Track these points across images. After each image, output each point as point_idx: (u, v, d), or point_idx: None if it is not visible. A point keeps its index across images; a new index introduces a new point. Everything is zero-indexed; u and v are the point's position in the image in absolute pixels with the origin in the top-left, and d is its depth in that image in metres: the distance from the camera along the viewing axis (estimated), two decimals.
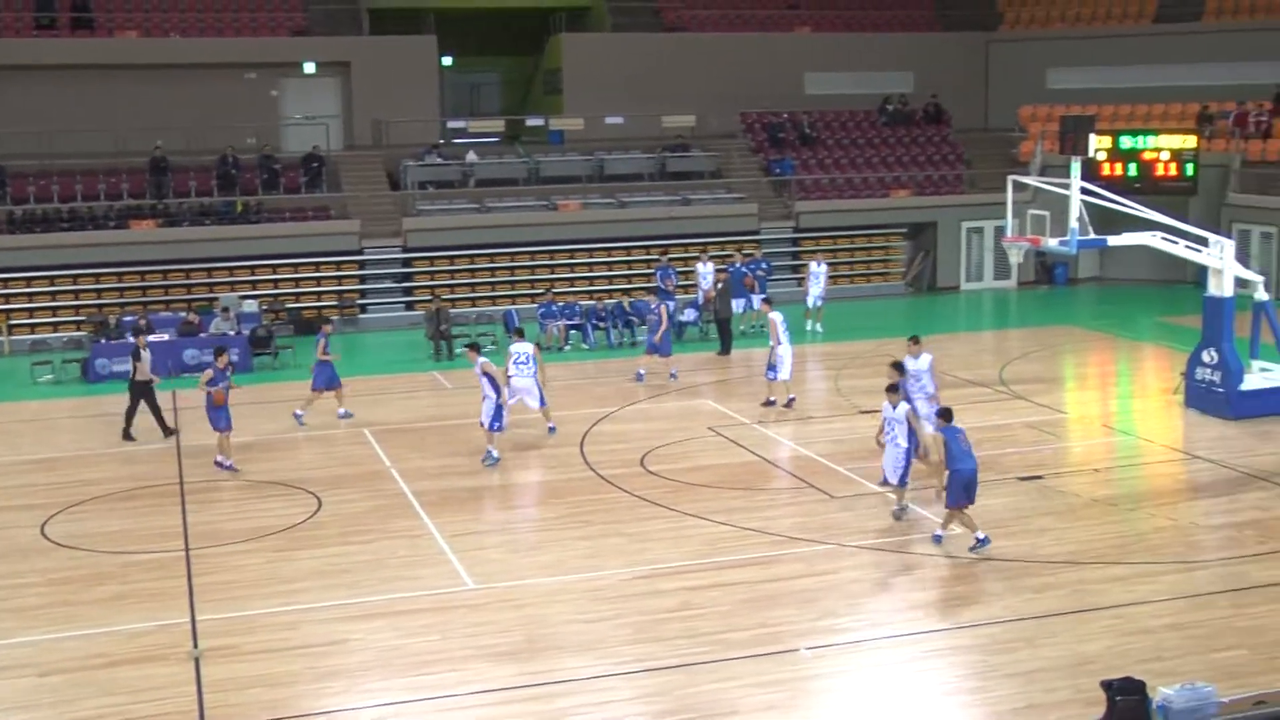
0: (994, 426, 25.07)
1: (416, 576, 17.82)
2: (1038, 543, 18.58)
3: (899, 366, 21.62)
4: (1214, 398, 25.73)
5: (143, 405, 25.49)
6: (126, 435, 25.42)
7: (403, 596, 17.09)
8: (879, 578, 17.52)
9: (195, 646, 15.68)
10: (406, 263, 38.65)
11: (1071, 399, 28.17)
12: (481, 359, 23.45)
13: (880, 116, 46.51)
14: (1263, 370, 26.55)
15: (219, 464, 23.23)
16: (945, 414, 18.60)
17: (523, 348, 25.04)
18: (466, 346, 24.89)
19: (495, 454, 23.08)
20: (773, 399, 26.74)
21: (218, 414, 23.32)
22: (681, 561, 18.17)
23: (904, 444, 19.38)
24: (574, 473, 22.55)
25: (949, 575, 17.54)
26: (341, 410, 26.66)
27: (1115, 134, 40.93)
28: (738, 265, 35.24)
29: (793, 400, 26.79)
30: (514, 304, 37.27)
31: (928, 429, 20.19)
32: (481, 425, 23.26)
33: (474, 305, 37.91)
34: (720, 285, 33.42)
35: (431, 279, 38.57)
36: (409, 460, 23.54)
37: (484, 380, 23.13)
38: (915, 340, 22.92)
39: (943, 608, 16.51)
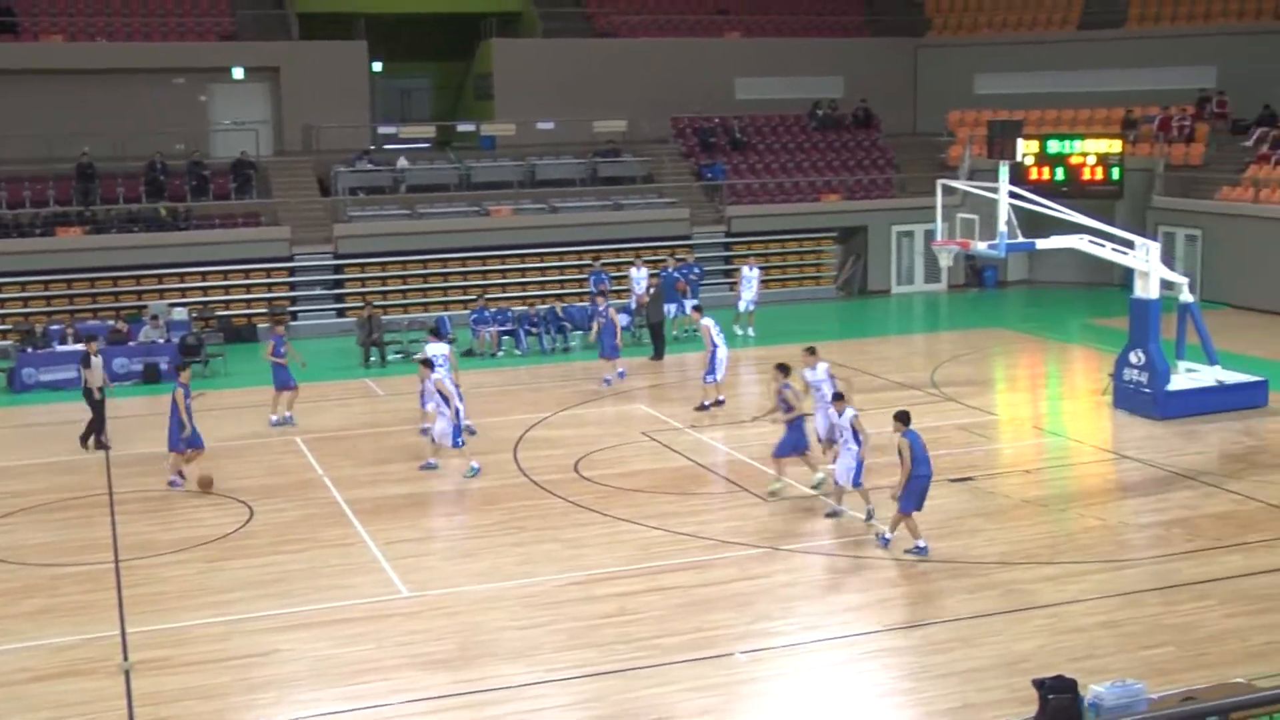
0: (926, 429, 24.96)
1: (350, 585, 17.66)
2: (970, 544, 18.69)
3: (783, 368, 21.34)
4: (1141, 398, 26.02)
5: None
6: (100, 445, 24.90)
7: (336, 606, 16.93)
8: (813, 581, 17.56)
9: (125, 659, 15.45)
10: (338, 269, 38.40)
11: (1002, 401, 28.40)
12: (434, 375, 23.13)
13: (810, 121, 46.73)
14: (1189, 371, 26.90)
15: (173, 483, 22.41)
16: (904, 417, 18.49)
17: (439, 348, 25.39)
18: (420, 363, 24.31)
19: (476, 465, 22.69)
20: (707, 403, 26.75)
21: (182, 431, 22.36)
22: (616, 567, 18.13)
23: (854, 447, 19.38)
24: (507, 479, 22.45)
25: (883, 578, 17.60)
26: (274, 417, 26.40)
27: (1042, 139, 41.34)
28: (670, 270, 35.27)
29: (722, 401, 26.81)
30: (446, 310, 37.10)
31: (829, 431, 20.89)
32: (443, 446, 22.79)
33: (406, 311, 37.69)
34: (653, 290, 33.43)
35: (363, 285, 38.33)
36: (341, 468, 23.34)
37: (437, 397, 22.81)
38: (811, 351, 22.49)
39: (877, 610, 16.55)
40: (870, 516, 19.54)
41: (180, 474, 22.53)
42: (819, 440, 21.65)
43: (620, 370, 29.85)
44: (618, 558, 18.50)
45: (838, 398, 19.87)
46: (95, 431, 24.98)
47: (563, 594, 17.20)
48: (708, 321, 27.03)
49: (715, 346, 26.53)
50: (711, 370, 26.68)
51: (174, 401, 22.31)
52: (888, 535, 18.62)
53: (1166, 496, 20.90)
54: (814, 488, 20.93)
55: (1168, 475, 22.05)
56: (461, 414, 22.72)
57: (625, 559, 18.44)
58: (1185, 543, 18.68)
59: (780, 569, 17.96)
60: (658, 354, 32.71)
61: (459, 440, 22.62)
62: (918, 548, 18.22)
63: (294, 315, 37.50)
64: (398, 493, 21.86)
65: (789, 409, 20.77)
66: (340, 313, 37.80)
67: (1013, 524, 19.45)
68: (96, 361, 25.23)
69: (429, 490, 22.35)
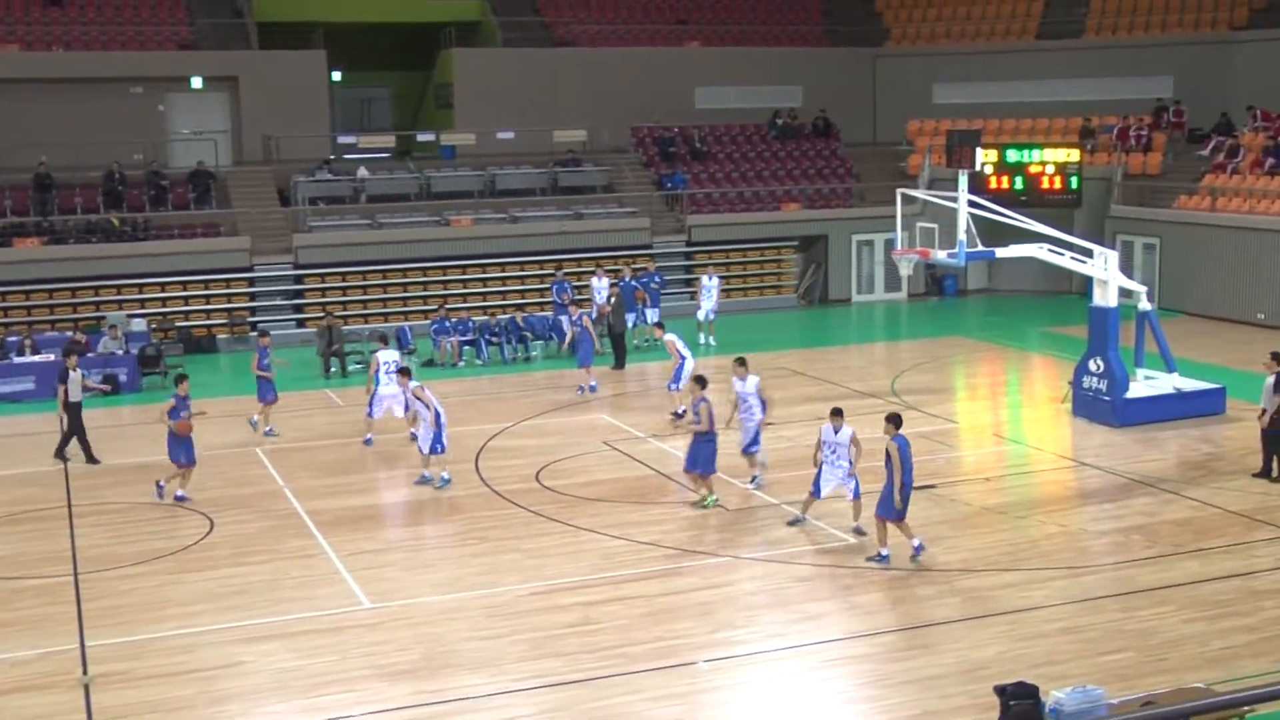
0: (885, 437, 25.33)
1: (311, 597, 17.61)
2: (931, 551, 18.75)
3: (701, 381, 21.11)
4: (1100, 406, 26.21)
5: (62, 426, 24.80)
6: (90, 459, 24.64)
7: (298, 617, 16.87)
8: (775, 589, 17.60)
9: (85, 673, 15.34)
10: (298, 279, 38.25)
11: (962, 409, 28.55)
12: (413, 384, 23.01)
13: (770, 130, 46.88)
14: (1147, 378, 27.13)
15: (179, 498, 22.02)
16: (896, 420, 18.45)
17: (390, 355, 25.75)
18: (398, 372, 24.06)
19: (447, 475, 22.61)
20: (680, 410, 26.65)
21: (180, 447, 21.96)
22: (578, 576, 18.14)
23: (846, 465, 19.23)
24: (469, 489, 22.42)
25: (844, 585, 17.67)
26: (268, 426, 26.54)
27: (1001, 148, 41.60)
28: (627, 279, 35.30)
29: (684, 412, 26.73)
30: (407, 320, 37.02)
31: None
32: (421, 452, 22.76)
33: (366, 322, 37.57)
34: (614, 300, 33.46)
35: (323, 295, 38.19)
36: (302, 479, 23.26)
37: (418, 405, 22.70)
38: (741, 362, 22.15)
39: (839, 617, 16.61)
40: (797, 522, 19.76)
41: (173, 492, 22.08)
42: (743, 453, 21.75)
43: (593, 382, 29.81)
44: (580, 567, 18.51)
45: (836, 414, 19.41)
46: (80, 444, 24.75)
47: (525, 604, 17.19)
48: (671, 336, 26.99)
49: (684, 359, 26.48)
50: (676, 380, 26.61)
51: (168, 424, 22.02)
52: (884, 551, 18.44)
53: (1126, 503, 21.07)
54: (704, 505, 20.88)
55: (1127, 482, 22.23)
56: (443, 420, 22.53)
57: (588, 568, 18.45)
58: (1144, 549, 18.84)
59: (742, 578, 18.01)
60: (619, 363, 32.73)
61: (438, 447, 22.52)
62: (880, 555, 18.28)
63: (253, 326, 37.31)
64: (359, 504, 21.80)
65: (699, 422, 20.61)
66: (300, 323, 37.64)
67: (974, 531, 19.56)
68: (75, 375, 24.99)
69: (390, 501, 22.30)
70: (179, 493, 22.11)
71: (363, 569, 18.58)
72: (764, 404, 21.86)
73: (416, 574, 18.45)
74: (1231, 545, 18.94)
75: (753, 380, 21.94)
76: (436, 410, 22.41)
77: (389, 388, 25.33)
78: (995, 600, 17.01)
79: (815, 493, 19.65)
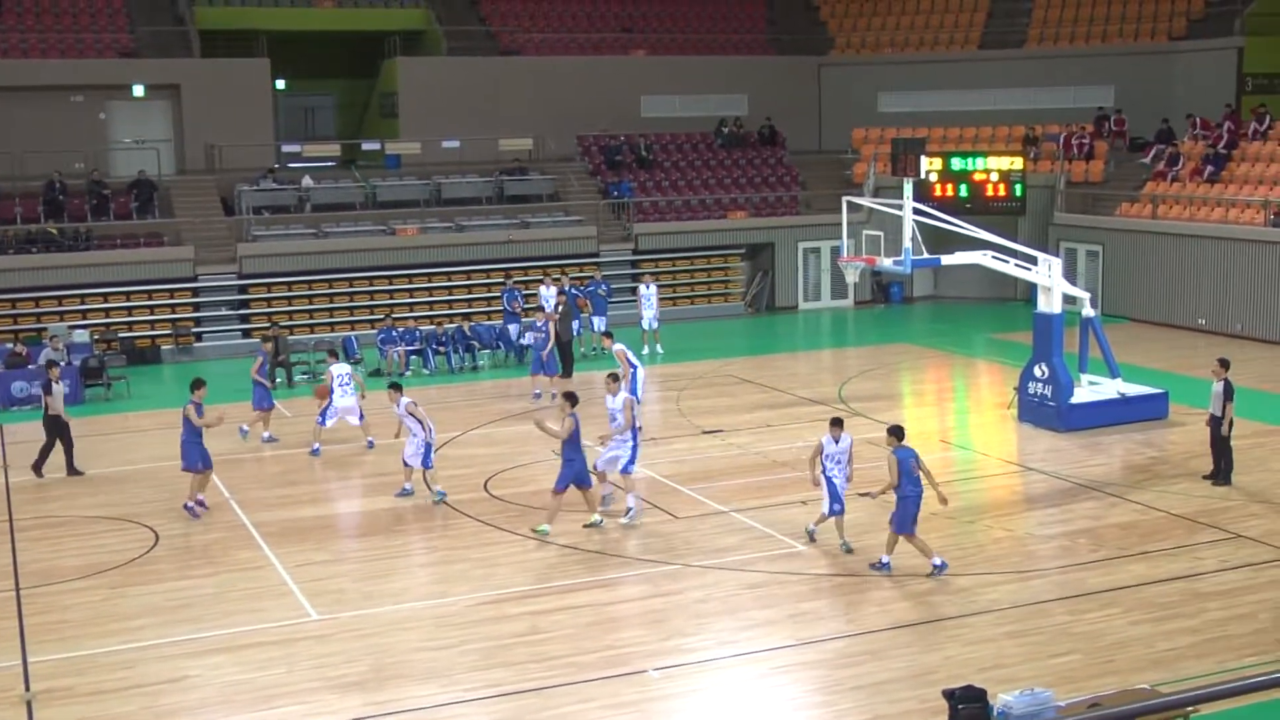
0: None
1: (258, 609, 17.50)
2: (879, 557, 18.86)
3: (570, 397, 20.64)
4: (1046, 411, 26.44)
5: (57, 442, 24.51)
6: (37, 471, 24.34)
7: (245, 630, 16.77)
8: (725, 596, 17.64)
9: (27, 690, 15.17)
10: (242, 289, 38.00)
11: (909, 415, 28.68)
12: (406, 400, 22.38)
13: (716, 139, 47.02)
14: (1091, 384, 27.37)
15: (196, 505, 21.77)
16: (898, 433, 18.30)
17: (341, 369, 25.92)
18: (390, 388, 23.13)
19: (441, 490, 22.30)
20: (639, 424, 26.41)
21: (196, 452, 21.69)
22: (528, 585, 18.12)
23: (843, 476, 19.12)
24: (417, 499, 22.32)
25: (794, 592, 17.73)
26: (265, 433, 26.61)
27: (946, 156, 41.91)
28: (569, 288, 35.25)
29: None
30: (353, 329, 36.85)
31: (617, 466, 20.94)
32: (407, 465, 22.33)
33: (312, 332, 37.32)
34: (561, 308, 33.44)
35: (268, 306, 37.96)
36: (248, 491, 23.11)
37: (410, 420, 22.20)
38: (614, 378, 21.60)
39: (789, 624, 16.67)
40: (812, 537, 19.48)
41: (200, 501, 21.82)
42: (594, 469, 21.04)
43: (537, 390, 29.72)
44: (529, 576, 18.50)
45: (836, 423, 19.15)
46: (65, 456, 24.47)
47: (474, 614, 17.16)
48: (620, 346, 26.86)
49: (635, 367, 26.34)
50: (633, 390, 26.41)
51: (185, 418, 21.71)
52: (886, 559, 18.37)
53: (1071, 507, 21.27)
54: (590, 525, 20.63)
55: (1072, 486, 22.43)
56: (433, 433, 22.30)
57: (537, 577, 18.44)
58: (1090, 553, 19.02)
59: (692, 585, 18.04)
60: (566, 372, 32.69)
61: (427, 462, 22.23)
62: (935, 565, 18.09)
63: (198, 336, 37.06)
64: (306, 515, 21.68)
65: (570, 438, 20.20)
66: (245, 333, 37.36)
67: (923, 536, 19.63)
68: (59, 389, 24.66)
69: (338, 512, 22.20)
70: (199, 497, 21.87)
71: (311, 580, 18.48)
72: (624, 421, 21.01)
73: (365, 585, 18.36)
74: (1176, 548, 19.15)
75: (621, 397, 21.09)
76: (430, 427, 22.13)
77: (344, 400, 25.48)
78: (943, 605, 17.12)
79: (834, 509, 19.15)
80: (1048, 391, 26.42)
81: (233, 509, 22.04)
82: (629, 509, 20.79)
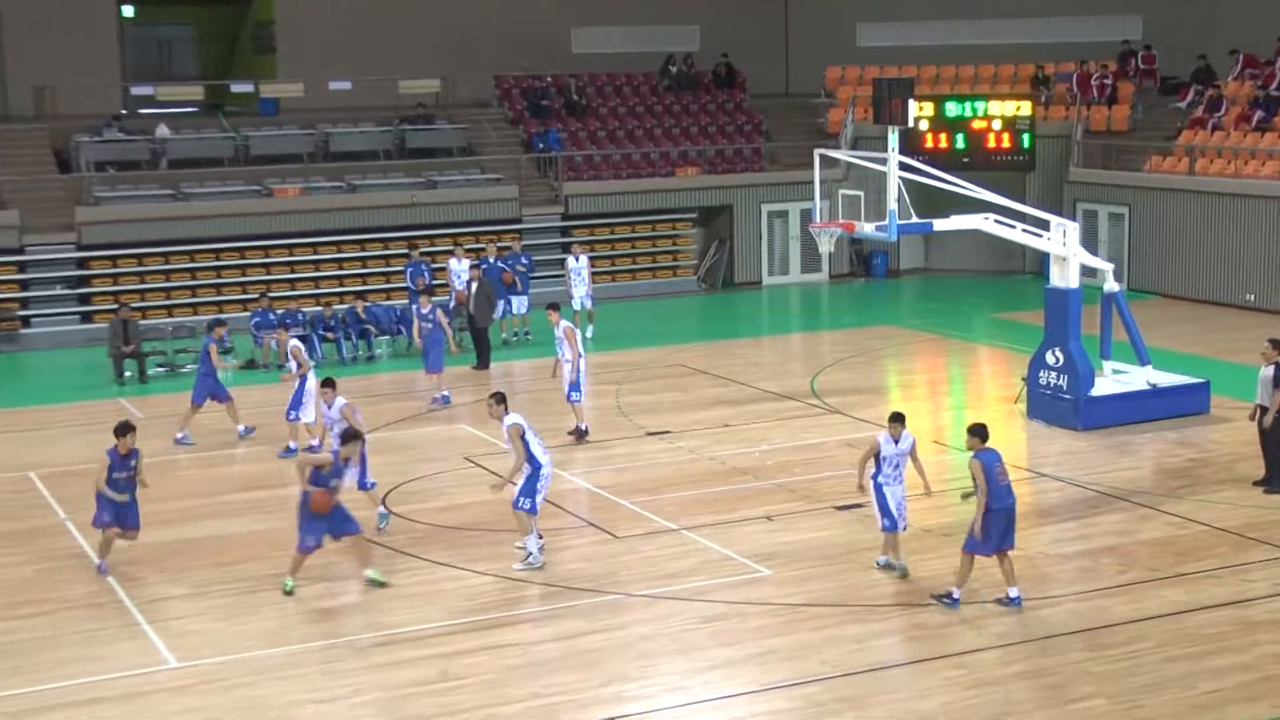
0: (806, 446, 25.49)
1: (102, 656, 17.30)
2: (861, 583, 18.87)
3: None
4: (1060, 406, 26.52)
5: None
6: None
7: (85, 682, 16.55)
8: (676, 633, 17.59)
9: None
10: (82, 263, 37.66)
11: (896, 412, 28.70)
12: (341, 401, 21.90)
13: (662, 80, 46.98)
14: (1116, 373, 27.49)
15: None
16: (981, 432, 18.17)
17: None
18: (321, 384, 22.83)
19: (385, 511, 21.89)
20: (583, 426, 26.25)
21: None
22: (436, 622, 18.02)
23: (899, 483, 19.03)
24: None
25: (758, 627, 17.70)
26: (240, 426, 26.99)
27: (939, 100, 42.03)
28: (492, 260, 35.10)
29: (586, 429, 26.37)
30: (221, 311, 36.54)
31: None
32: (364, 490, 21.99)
33: (170, 315, 37.05)
34: (476, 285, 33.25)
35: (115, 283, 37.63)
36: (90, 511, 22.77)
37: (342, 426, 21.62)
38: (499, 400, 20.63)
39: (752, 666, 16.62)
40: (903, 572, 19.16)
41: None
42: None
43: (445, 392, 29.41)
44: (438, 610, 18.39)
45: (896, 419, 19.06)
46: None
47: (370, 657, 17.04)
48: (569, 323, 26.44)
49: (579, 355, 25.93)
50: (575, 385, 25.99)
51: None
52: (956, 593, 18.13)
53: (1093, 521, 21.34)
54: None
55: (1094, 496, 22.52)
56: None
57: (447, 612, 18.33)
58: (1116, 575, 19.08)
59: (636, 619, 17.99)
60: (482, 362, 32.53)
61: (367, 482, 21.61)
62: (952, 597, 18.00)
63: (25, 321, 36.64)
64: (161, 539, 21.41)
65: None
66: (86, 317, 37.05)
67: (912, 558, 19.65)
68: None
69: (200, 535, 21.96)
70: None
71: (167, 619, 18.31)
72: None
73: (234, 624, 18.20)
74: (1220, 569, 19.23)
75: (510, 419, 20.07)
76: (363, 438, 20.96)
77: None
78: (939, 640, 17.12)
79: (893, 525, 19.00)
80: (1063, 382, 26.51)
81: (69, 533, 21.81)
82: (527, 554, 20.08)
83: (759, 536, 20.61)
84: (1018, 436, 26.32)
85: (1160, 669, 16.22)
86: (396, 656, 17.04)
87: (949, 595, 18.05)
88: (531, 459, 19.74)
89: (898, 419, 19.11)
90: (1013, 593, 17.97)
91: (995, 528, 17.82)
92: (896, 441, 18.97)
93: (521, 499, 19.79)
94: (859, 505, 21.75)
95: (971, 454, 18.11)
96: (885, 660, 16.63)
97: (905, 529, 19.22)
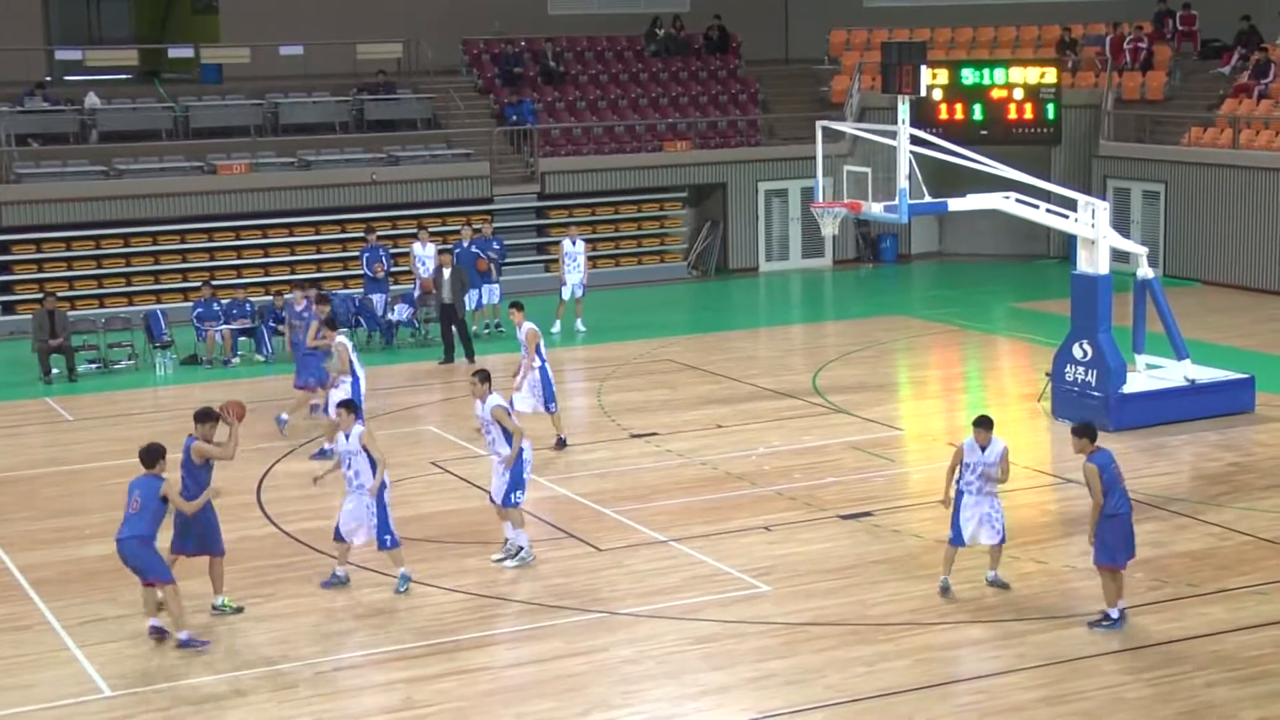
0: (807, 449, 25.50)
1: (29, 685, 17.29)
2: (868, 599, 18.92)
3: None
4: (1089, 404, 26.56)
5: None
6: None
7: (11, 714, 16.53)
8: (664, 655, 17.61)
9: None
10: (3, 248, 37.60)
11: (907, 411, 28.82)
12: (359, 427, 19.92)
13: (648, 45, 46.99)
14: (1150, 368, 27.56)
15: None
16: (1089, 433, 18.16)
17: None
18: (341, 406, 20.95)
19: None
20: (565, 436, 26.15)
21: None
22: (399, 644, 18.04)
23: (994, 495, 18.97)
24: (249, 529, 22.18)
25: (755, 648, 17.74)
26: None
27: (954, 66, 42.07)
28: (466, 244, 35.08)
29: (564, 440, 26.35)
30: (159, 302, 36.55)
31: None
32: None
33: (102, 305, 37.06)
34: (449, 272, 33.15)
35: (39, 270, 37.61)
36: (13, 523, 22.92)
37: (361, 458, 20.96)
38: (483, 379, 20.96)
39: (748, 692, 16.65)
40: (1003, 584, 19.29)
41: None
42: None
43: (284, 415, 27.54)
44: (402, 631, 18.41)
45: (982, 424, 18.88)
46: None
47: (327, 682, 17.04)
48: (533, 325, 26.14)
49: (542, 363, 25.72)
50: (550, 396, 25.82)
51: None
52: (1114, 612, 18.08)
53: None
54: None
55: None
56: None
57: (412, 632, 18.36)
58: (1150, 591, 19.14)
59: (620, 640, 18.01)
60: (448, 357, 32.49)
61: (386, 539, 21.54)
62: (1117, 613, 17.98)
63: None
64: (94, 554, 21.38)
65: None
66: (7, 308, 37.05)
67: (924, 572, 19.72)
68: None
69: None
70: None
71: (101, 643, 18.29)
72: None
73: (174, 648, 18.16)
74: (1267, 584, 19.30)
75: (493, 400, 20.55)
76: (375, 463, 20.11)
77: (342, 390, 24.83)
78: (955, 662, 17.20)
79: (958, 539, 19.03)
80: (1091, 378, 26.57)
81: None
82: (519, 549, 20.46)
83: (756, 549, 20.65)
84: (1041, 438, 26.39)
85: (1199, 694, 16.26)
86: (357, 680, 17.06)
87: (1106, 617, 18.00)
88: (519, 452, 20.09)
89: (984, 424, 18.84)
90: (1113, 612, 17.97)
91: (1121, 533, 17.89)
92: (983, 449, 18.79)
93: (514, 494, 20.11)
94: (867, 514, 21.85)
95: (1085, 458, 18.05)
96: (896, 684, 16.65)
97: (1003, 541, 19.09)
